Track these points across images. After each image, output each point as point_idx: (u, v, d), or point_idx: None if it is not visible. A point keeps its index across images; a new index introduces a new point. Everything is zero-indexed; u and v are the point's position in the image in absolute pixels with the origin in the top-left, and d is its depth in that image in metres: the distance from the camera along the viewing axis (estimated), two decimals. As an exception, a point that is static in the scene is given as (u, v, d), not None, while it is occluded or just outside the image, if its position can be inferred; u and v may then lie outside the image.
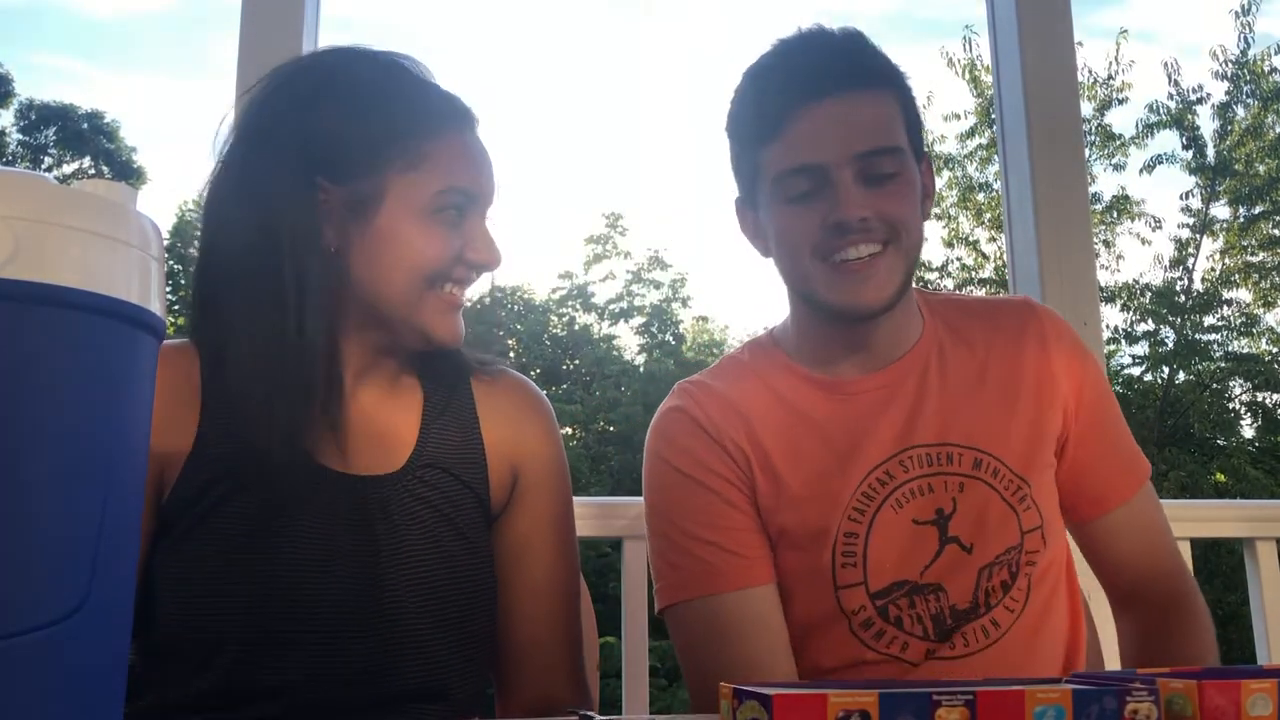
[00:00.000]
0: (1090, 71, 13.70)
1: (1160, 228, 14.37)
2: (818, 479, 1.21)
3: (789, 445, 1.23)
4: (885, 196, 1.16)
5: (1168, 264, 14.42)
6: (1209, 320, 14.41)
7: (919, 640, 1.17)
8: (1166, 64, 14.33)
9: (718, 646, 1.17)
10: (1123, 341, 14.19)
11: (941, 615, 1.18)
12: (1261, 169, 13.97)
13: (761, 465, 1.22)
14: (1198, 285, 14.41)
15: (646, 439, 1.28)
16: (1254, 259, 14.28)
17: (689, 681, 1.22)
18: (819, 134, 1.15)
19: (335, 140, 1.05)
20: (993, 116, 2.21)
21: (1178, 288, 14.38)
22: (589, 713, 0.90)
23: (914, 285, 1.29)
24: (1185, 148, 14.05)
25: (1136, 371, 14.48)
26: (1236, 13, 13.70)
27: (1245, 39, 13.79)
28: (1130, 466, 1.31)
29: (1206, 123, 14.04)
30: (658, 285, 19.47)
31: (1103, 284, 13.95)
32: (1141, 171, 14.19)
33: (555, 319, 18.85)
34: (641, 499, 1.64)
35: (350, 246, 1.04)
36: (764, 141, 1.19)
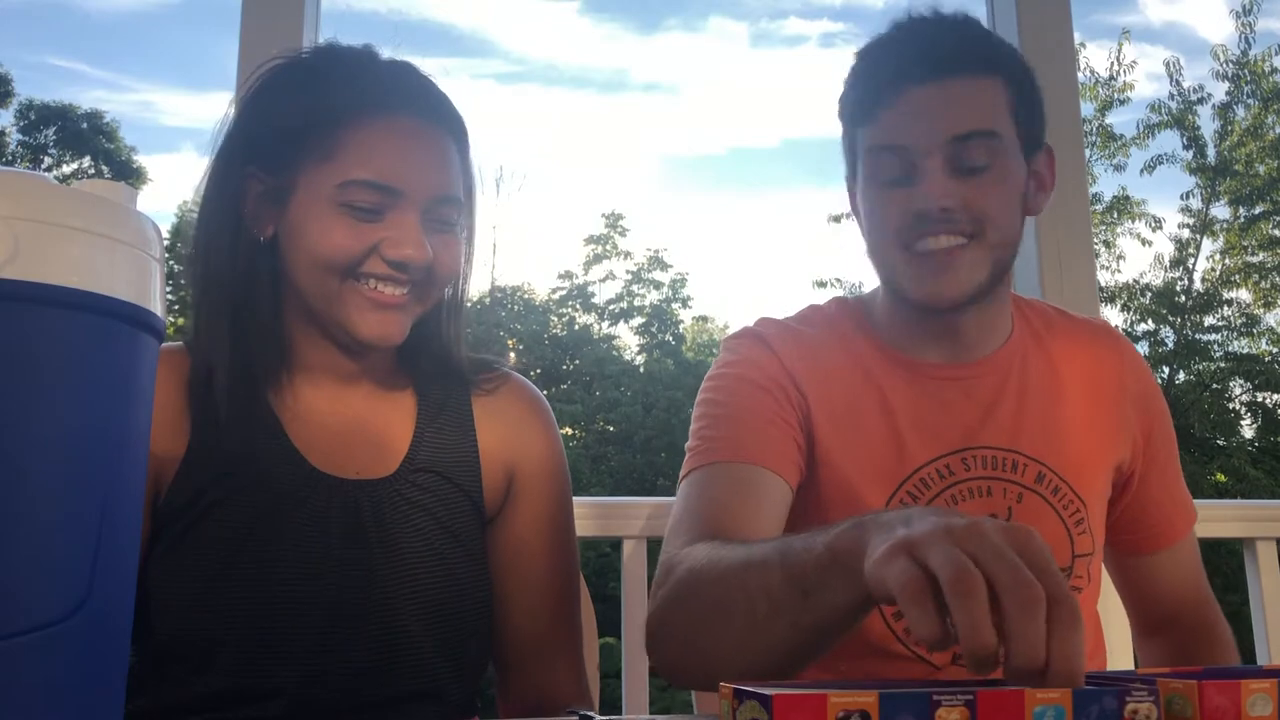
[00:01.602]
0: (1092, 72, 13.73)
1: (1160, 228, 14.39)
2: (872, 455, 1.17)
3: (853, 411, 1.19)
4: (974, 187, 1.12)
5: (1168, 264, 14.44)
6: (1209, 320, 14.42)
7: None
8: (1168, 63, 14.33)
9: (709, 508, 1.07)
10: (1123, 342, 14.18)
11: None
12: (1261, 169, 13.97)
13: (825, 412, 1.18)
14: (1198, 285, 14.42)
15: (718, 354, 1.25)
16: (1254, 259, 14.29)
17: (674, 538, 1.07)
18: (912, 116, 1.13)
19: (262, 131, 1.06)
20: (993, 117, 2.20)
21: (1178, 288, 14.39)
22: (589, 713, 0.90)
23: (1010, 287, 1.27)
24: (1186, 148, 14.07)
25: (1136, 371, 14.47)
26: (1238, 13, 13.71)
27: (1246, 39, 13.80)
28: (1185, 509, 1.32)
29: (1207, 123, 14.06)
30: (658, 285, 19.50)
31: (1103, 284, 13.96)
32: (1142, 171, 14.21)
33: (555, 319, 18.86)
34: (642, 499, 1.66)
35: (278, 237, 1.06)
36: (863, 121, 1.18)
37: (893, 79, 1.14)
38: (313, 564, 1.02)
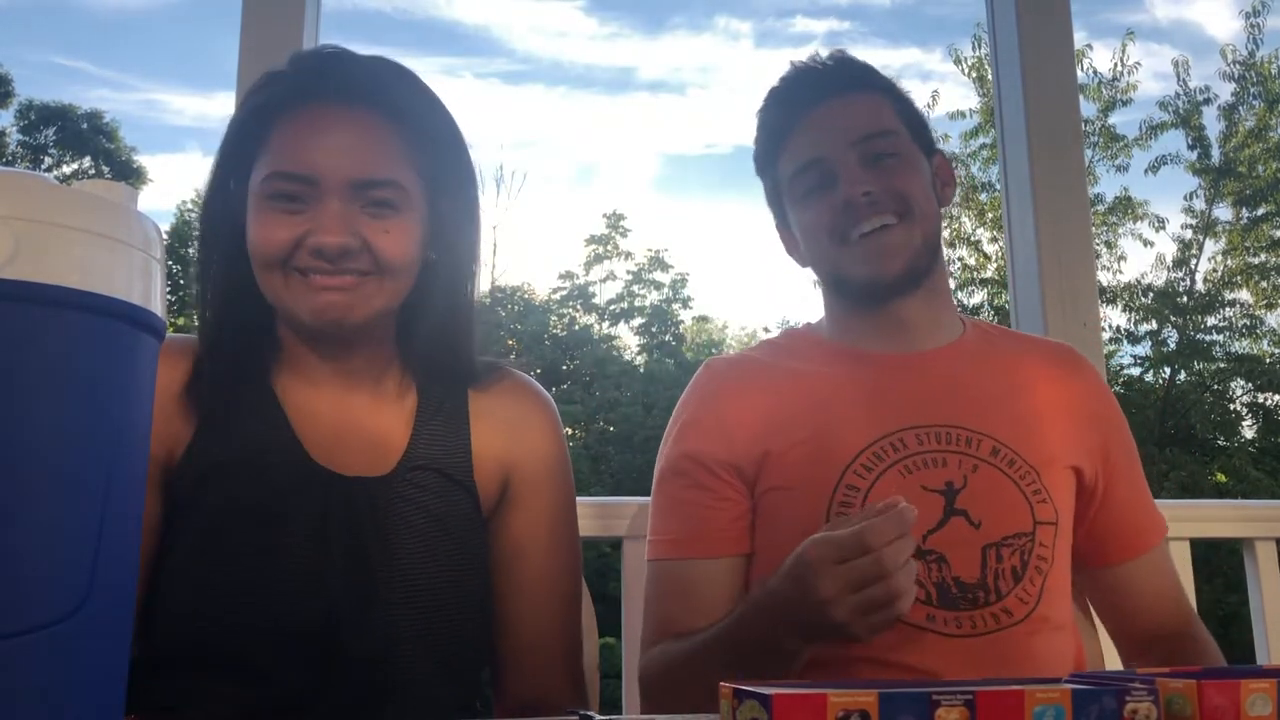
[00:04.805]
0: (1095, 72, 13.70)
1: (1164, 228, 14.36)
2: (827, 429, 1.25)
3: (804, 398, 1.28)
4: (888, 172, 1.26)
5: (1170, 265, 14.42)
6: (1211, 321, 14.40)
7: (920, 604, 1.18)
8: (1176, 62, 14.25)
9: (673, 602, 1.24)
10: (1124, 342, 14.19)
11: (945, 584, 1.19)
12: (1261, 169, 13.96)
13: (766, 432, 1.26)
14: (1199, 286, 14.40)
15: (676, 406, 1.35)
16: (1255, 260, 14.27)
17: (645, 627, 1.28)
18: (818, 132, 1.29)
19: (227, 140, 1.09)
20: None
21: (1180, 288, 14.37)
22: (589, 713, 0.90)
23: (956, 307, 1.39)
24: (1191, 148, 14.04)
25: (1137, 372, 14.48)
26: (1248, 14, 13.67)
27: (1255, 40, 13.76)
28: (1153, 519, 1.37)
29: (1212, 123, 14.02)
30: (658, 286, 19.49)
31: (1105, 284, 13.93)
32: (1147, 171, 14.18)
33: (555, 319, 18.85)
34: (642, 499, 1.66)
35: None
36: (776, 155, 1.33)
37: (792, 109, 1.32)
38: (311, 558, 1.02)
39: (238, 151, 1.08)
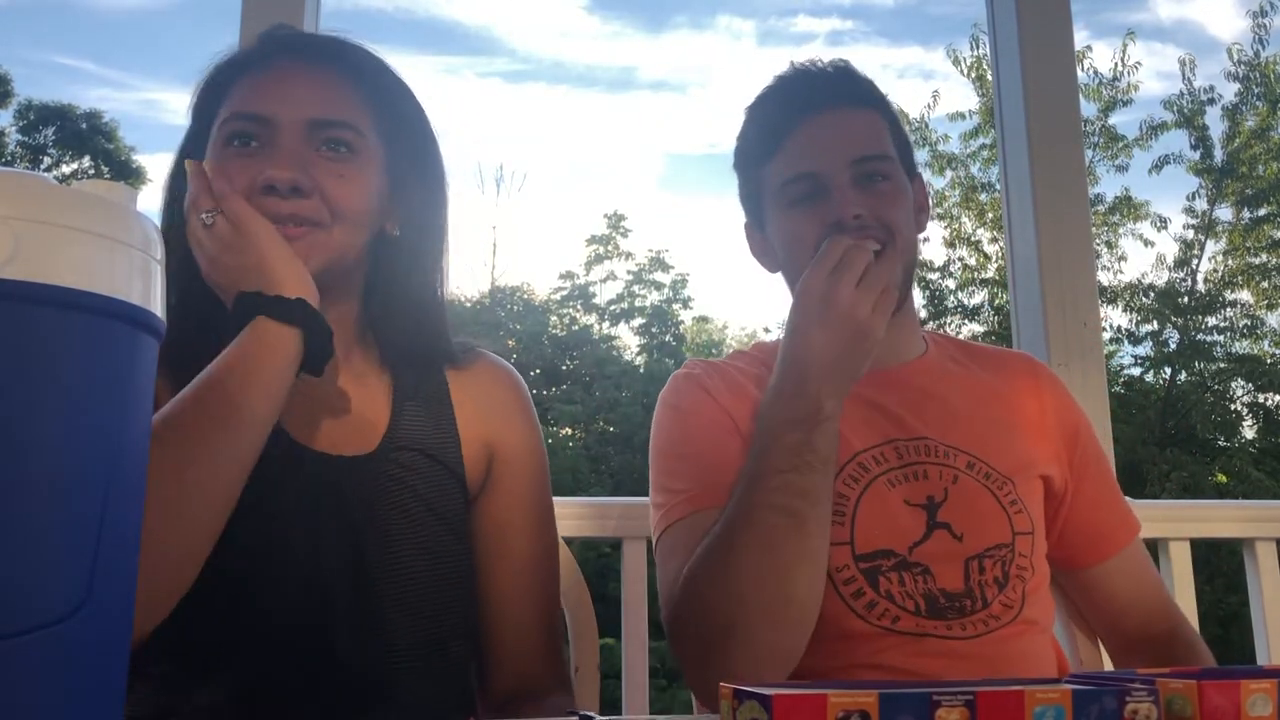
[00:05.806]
0: (1096, 73, 13.69)
1: (1166, 228, 14.34)
2: None
3: None
4: (879, 197, 1.26)
5: (1171, 265, 14.41)
6: (1211, 321, 14.40)
7: (910, 615, 1.18)
8: (1182, 61, 14.22)
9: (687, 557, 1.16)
10: (1125, 342, 14.18)
11: (932, 595, 1.19)
12: (1263, 170, 13.95)
13: (747, 444, 1.23)
14: (1200, 286, 14.39)
15: (657, 403, 1.34)
16: (1256, 260, 14.26)
17: (665, 581, 1.19)
18: (816, 143, 1.28)
19: (192, 121, 1.10)
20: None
21: (1181, 289, 14.37)
22: (589, 713, 0.90)
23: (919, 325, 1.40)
24: (1194, 148, 14.02)
25: (1137, 372, 14.47)
26: (1254, 13, 13.65)
27: (1260, 40, 13.74)
28: (1125, 518, 1.38)
29: (1215, 124, 14.01)
30: (659, 286, 19.48)
31: (1105, 285, 13.93)
32: (1150, 171, 14.17)
33: (556, 319, 18.85)
34: (642, 499, 1.65)
35: None
36: (767, 157, 1.31)
37: (789, 113, 1.30)
38: (303, 551, 1.01)
39: (198, 129, 1.09)
